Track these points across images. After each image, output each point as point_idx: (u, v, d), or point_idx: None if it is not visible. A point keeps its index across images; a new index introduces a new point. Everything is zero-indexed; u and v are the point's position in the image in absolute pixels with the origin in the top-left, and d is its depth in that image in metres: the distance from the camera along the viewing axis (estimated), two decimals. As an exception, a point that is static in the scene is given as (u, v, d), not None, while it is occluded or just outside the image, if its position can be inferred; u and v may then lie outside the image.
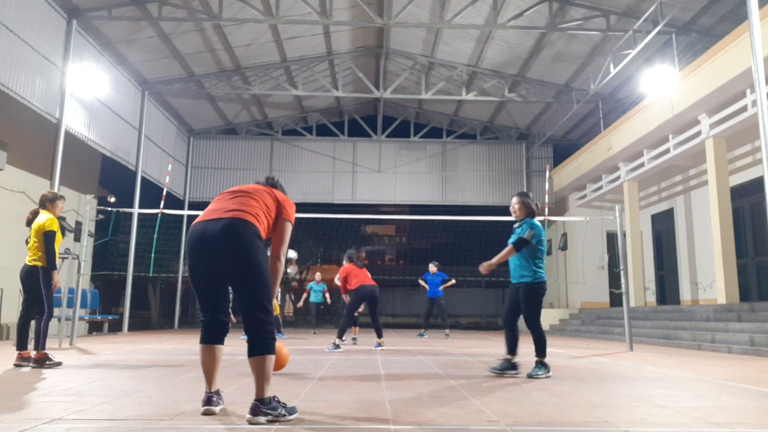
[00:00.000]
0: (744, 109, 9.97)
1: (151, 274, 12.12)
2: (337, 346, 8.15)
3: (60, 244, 5.77)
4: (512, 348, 5.16)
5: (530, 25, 12.71)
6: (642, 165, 13.56)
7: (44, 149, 11.64)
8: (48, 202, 5.69)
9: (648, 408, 3.41)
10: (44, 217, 5.53)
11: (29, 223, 5.57)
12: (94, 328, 14.54)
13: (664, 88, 11.72)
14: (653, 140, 12.98)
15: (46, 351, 5.43)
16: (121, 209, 10.36)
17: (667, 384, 4.58)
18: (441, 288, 12.69)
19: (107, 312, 23.02)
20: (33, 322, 5.68)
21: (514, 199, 5.33)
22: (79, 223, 13.43)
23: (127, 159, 14.21)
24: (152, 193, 15.50)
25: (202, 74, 15.29)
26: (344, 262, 8.99)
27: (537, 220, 5.27)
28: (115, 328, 14.39)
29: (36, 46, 10.26)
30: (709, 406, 3.52)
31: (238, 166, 18.83)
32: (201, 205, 18.09)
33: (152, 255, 10.44)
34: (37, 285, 5.48)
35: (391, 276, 26.50)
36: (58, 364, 5.42)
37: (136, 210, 12.94)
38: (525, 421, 2.95)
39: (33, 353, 5.46)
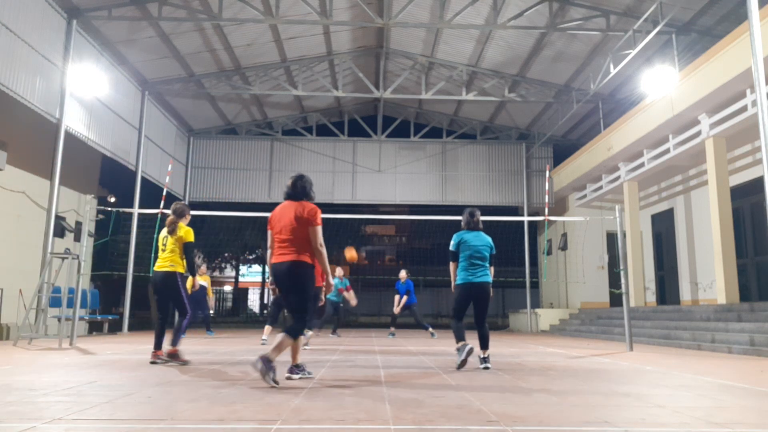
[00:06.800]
0: (744, 109, 9.96)
1: (151, 274, 12.13)
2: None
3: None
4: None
5: (530, 25, 12.70)
6: (642, 165, 13.55)
7: (44, 149, 11.64)
8: (184, 215, 6.05)
9: (648, 408, 3.41)
10: (184, 229, 5.92)
11: (172, 232, 5.86)
12: (94, 328, 14.53)
13: (664, 88, 11.71)
14: (653, 140, 12.98)
15: (179, 349, 5.84)
16: (121, 209, 10.36)
17: (667, 384, 4.57)
18: (404, 297, 12.69)
19: (107, 312, 23.00)
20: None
21: None
22: (79, 223, 13.43)
23: (127, 159, 14.21)
24: (152, 193, 15.50)
25: (202, 74, 15.29)
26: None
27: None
28: (115, 328, 14.38)
29: (36, 46, 10.26)
30: (709, 406, 3.52)
31: (238, 166, 18.82)
32: (201, 205, 18.09)
33: (152, 255, 10.43)
34: (178, 288, 5.81)
35: (391, 276, 26.53)
36: (187, 362, 5.78)
37: (136, 210, 12.95)
38: (525, 421, 2.95)
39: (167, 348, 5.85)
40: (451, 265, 5.83)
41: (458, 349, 5.63)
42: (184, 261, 5.90)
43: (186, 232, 5.89)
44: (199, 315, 12.21)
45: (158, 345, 5.85)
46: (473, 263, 5.68)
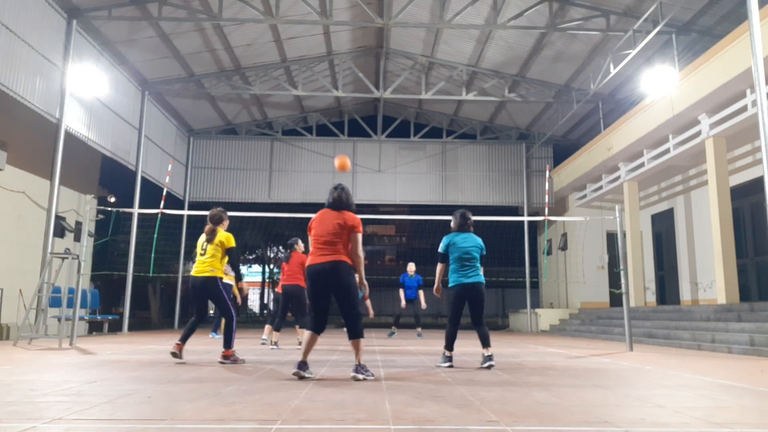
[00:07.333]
0: (744, 109, 9.97)
1: (151, 274, 12.13)
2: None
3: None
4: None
5: (530, 25, 12.70)
6: (642, 165, 13.56)
7: (44, 149, 11.64)
8: (222, 221, 6.14)
9: (648, 408, 3.41)
10: (223, 234, 6.02)
11: (210, 240, 5.99)
12: (94, 328, 14.54)
13: (664, 88, 11.71)
14: (653, 140, 12.98)
15: (234, 350, 6.01)
16: (121, 209, 10.36)
17: (667, 384, 4.58)
18: (419, 291, 12.43)
19: (107, 312, 23.03)
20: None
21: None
22: (79, 223, 13.43)
23: (127, 159, 14.21)
24: (152, 193, 15.50)
25: (202, 74, 15.29)
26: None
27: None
28: (115, 328, 14.39)
29: (36, 46, 10.26)
30: (709, 406, 3.52)
31: (238, 166, 18.83)
32: (201, 205, 18.11)
33: (152, 255, 10.44)
34: (219, 293, 5.94)
35: (391, 276, 26.52)
36: (243, 361, 5.99)
37: (136, 210, 12.95)
38: (525, 421, 2.95)
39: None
40: (439, 266, 5.89)
41: (444, 355, 5.80)
42: (224, 265, 6.00)
43: (227, 238, 5.97)
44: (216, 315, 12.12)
45: (184, 338, 5.92)
46: (464, 264, 5.75)
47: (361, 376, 4.60)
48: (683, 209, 13.88)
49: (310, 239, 4.92)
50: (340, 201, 4.89)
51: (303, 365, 4.64)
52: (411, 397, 3.71)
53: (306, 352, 4.69)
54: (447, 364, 5.74)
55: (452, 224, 6.02)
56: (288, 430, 2.68)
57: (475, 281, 5.72)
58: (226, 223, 6.19)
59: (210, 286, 5.88)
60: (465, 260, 5.76)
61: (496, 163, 19.31)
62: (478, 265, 5.81)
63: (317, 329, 4.73)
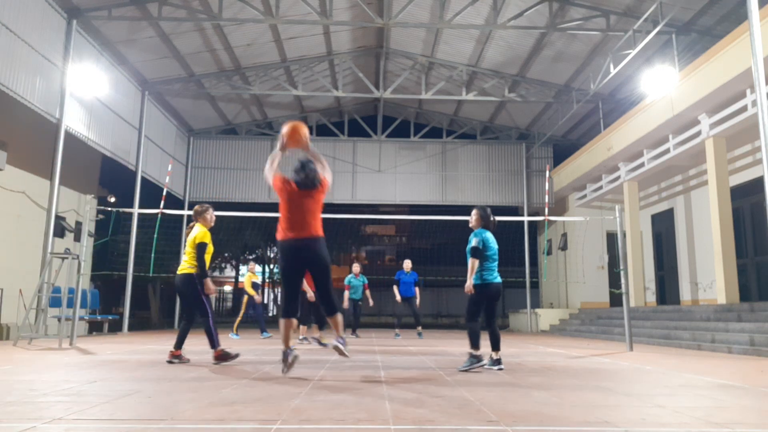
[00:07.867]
0: (744, 109, 9.97)
1: (151, 274, 12.13)
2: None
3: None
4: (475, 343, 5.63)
5: (530, 25, 12.70)
6: (642, 165, 13.56)
7: (44, 149, 11.64)
8: (198, 215, 6.06)
9: (648, 408, 3.41)
10: (197, 230, 5.91)
11: (188, 235, 6.00)
12: (94, 328, 14.54)
13: (664, 88, 11.71)
14: (653, 140, 12.98)
15: (222, 347, 5.87)
16: (121, 209, 10.36)
17: (667, 384, 4.58)
18: (416, 289, 12.15)
19: (107, 312, 23.02)
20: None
21: (472, 212, 5.91)
22: (79, 223, 13.43)
23: (127, 159, 14.21)
24: (152, 193, 15.50)
25: (202, 74, 15.29)
26: None
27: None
28: (115, 328, 14.39)
29: (36, 46, 10.26)
30: (709, 406, 3.52)
31: (238, 166, 18.83)
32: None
33: (152, 255, 10.44)
34: (194, 290, 5.80)
35: (391, 276, 26.55)
36: (236, 356, 5.90)
37: (136, 210, 12.95)
38: (525, 421, 2.95)
39: (212, 353, 5.85)
40: (475, 262, 5.55)
41: (473, 356, 5.46)
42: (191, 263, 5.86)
43: (199, 233, 5.84)
44: (250, 313, 11.96)
45: (178, 345, 5.86)
46: (492, 264, 5.69)
47: (341, 346, 4.65)
48: (683, 209, 13.87)
49: (281, 209, 4.79)
50: (313, 180, 4.92)
51: (287, 354, 4.60)
52: (411, 397, 3.71)
53: (287, 340, 4.64)
54: (482, 363, 5.47)
55: (476, 221, 5.78)
56: (288, 430, 2.68)
57: (500, 281, 5.71)
58: (209, 218, 6.04)
59: (187, 282, 5.77)
60: (493, 260, 5.69)
61: (496, 163, 19.31)
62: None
63: (292, 313, 4.67)
